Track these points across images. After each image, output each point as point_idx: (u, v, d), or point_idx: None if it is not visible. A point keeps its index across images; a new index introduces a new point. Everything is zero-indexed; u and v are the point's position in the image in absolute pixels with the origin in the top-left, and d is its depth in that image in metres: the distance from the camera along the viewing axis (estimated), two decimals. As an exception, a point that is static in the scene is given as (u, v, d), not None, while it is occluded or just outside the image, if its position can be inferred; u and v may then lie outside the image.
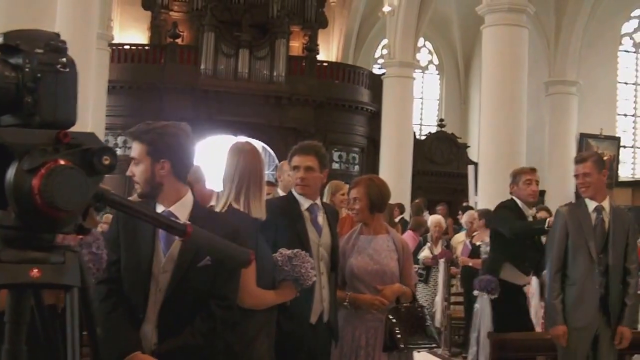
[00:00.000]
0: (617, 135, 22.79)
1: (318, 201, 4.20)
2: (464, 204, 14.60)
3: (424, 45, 25.91)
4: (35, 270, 1.56)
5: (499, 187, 12.53)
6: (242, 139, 19.76)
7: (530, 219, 6.11)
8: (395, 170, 18.35)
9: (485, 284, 6.16)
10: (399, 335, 4.26)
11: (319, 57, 22.78)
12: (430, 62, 26.96)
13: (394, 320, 4.31)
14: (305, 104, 21.38)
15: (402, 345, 4.27)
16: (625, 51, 24.38)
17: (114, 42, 19.93)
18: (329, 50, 24.35)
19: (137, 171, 2.98)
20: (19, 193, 1.53)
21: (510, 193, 6.24)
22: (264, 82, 21.18)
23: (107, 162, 1.63)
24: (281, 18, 21.82)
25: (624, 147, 23.23)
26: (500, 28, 13.36)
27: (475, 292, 6.38)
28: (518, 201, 6.08)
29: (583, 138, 20.70)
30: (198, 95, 20.83)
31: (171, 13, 23.05)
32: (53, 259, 1.60)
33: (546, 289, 5.46)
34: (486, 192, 13.10)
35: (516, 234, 5.94)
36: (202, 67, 20.92)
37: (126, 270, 3.03)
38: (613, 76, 23.83)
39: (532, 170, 6.25)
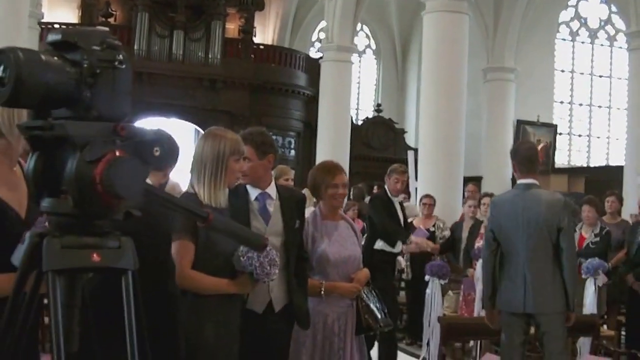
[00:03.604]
0: (553, 122, 23.32)
1: (270, 189, 4.18)
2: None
3: (362, 29, 26.01)
4: (95, 255, 1.66)
5: (439, 173, 12.85)
6: (175, 122, 19.64)
7: (397, 205, 7.64)
8: (333, 156, 18.24)
9: (436, 269, 6.38)
10: (377, 317, 4.41)
11: (256, 40, 22.69)
12: (368, 46, 27.13)
13: (365, 304, 4.44)
14: (240, 87, 21.26)
15: (379, 326, 4.42)
16: (562, 39, 24.95)
17: (43, 20, 19.47)
18: (265, 33, 24.29)
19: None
20: (81, 182, 1.62)
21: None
22: (199, 64, 20.95)
23: (157, 154, 1.75)
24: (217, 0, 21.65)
25: (560, 134, 23.75)
26: (441, 14, 13.55)
27: (427, 277, 6.61)
28: (388, 191, 7.53)
29: (520, 124, 21.16)
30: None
31: (104, -9, 22.64)
32: (110, 243, 1.70)
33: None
34: (425, 177, 13.34)
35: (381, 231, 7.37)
36: (136, 47, 20.60)
37: None
38: (550, 64, 24.29)
39: (403, 172, 7.67)
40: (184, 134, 19.59)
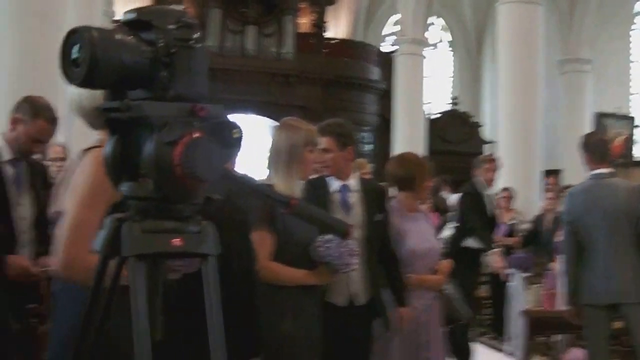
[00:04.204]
0: (631, 114, 22.63)
1: (351, 180, 4.14)
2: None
3: (435, 22, 25.65)
4: (177, 240, 1.61)
5: (517, 166, 12.56)
6: (251, 117, 19.77)
7: (487, 198, 7.39)
8: (409, 149, 18.17)
9: (519, 262, 6.22)
10: (461, 308, 4.34)
11: (328, 34, 22.65)
12: (442, 39, 26.75)
13: (449, 295, 4.39)
14: (313, 82, 21.24)
15: (467, 316, 4.36)
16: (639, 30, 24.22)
17: (116, 18, 19.78)
18: (337, 27, 24.21)
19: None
20: (159, 164, 1.57)
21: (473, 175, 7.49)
22: (272, 59, 21.03)
23: (236, 135, 1.69)
24: (288, -6, 21.65)
25: (637, 126, 23.05)
26: (516, 5, 13.26)
27: (510, 270, 6.45)
28: (477, 184, 7.34)
29: (599, 117, 20.59)
30: (205, 74, 20.71)
31: (171, -11, 22.88)
32: (191, 228, 1.65)
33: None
34: (503, 170, 13.09)
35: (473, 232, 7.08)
36: (208, 44, 20.78)
37: None
38: (626, 55, 23.65)
39: (492, 160, 7.60)
40: (259, 128, 19.67)
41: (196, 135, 1.60)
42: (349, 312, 3.98)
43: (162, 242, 1.60)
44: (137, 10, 1.65)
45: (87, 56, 1.52)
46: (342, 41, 22.87)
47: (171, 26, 1.63)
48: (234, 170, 1.80)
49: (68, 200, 2.48)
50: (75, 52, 1.56)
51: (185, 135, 1.58)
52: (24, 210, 4.01)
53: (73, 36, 1.57)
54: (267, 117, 20.58)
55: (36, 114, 3.89)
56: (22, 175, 4.02)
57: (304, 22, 22.33)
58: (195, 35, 1.64)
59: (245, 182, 1.89)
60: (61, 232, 2.42)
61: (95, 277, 1.67)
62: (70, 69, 1.57)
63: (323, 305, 3.75)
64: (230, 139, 1.67)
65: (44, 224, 4.07)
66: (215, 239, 1.68)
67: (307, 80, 21.17)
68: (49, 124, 3.91)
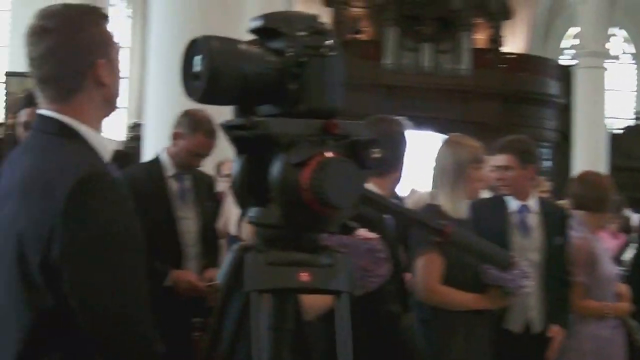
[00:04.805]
0: None
1: (531, 201, 3.91)
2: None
3: (615, 34, 24.40)
4: (304, 274, 1.42)
5: None
6: (427, 134, 19.61)
7: None
8: (590, 166, 17.36)
9: None
10: None
11: (505, 49, 22.09)
12: (624, 51, 25.42)
13: (632, 322, 4.04)
14: (491, 97, 20.76)
15: None
16: None
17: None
18: (514, 42, 23.55)
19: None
20: (286, 188, 1.40)
21: None
22: (449, 76, 20.79)
23: (376, 156, 1.48)
24: (464, 10, 21.33)
25: None
26: None
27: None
28: None
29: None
30: (381, 92, 20.73)
31: (352, 9, 23.06)
32: (322, 260, 1.46)
33: None
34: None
35: None
36: (385, 62, 20.81)
37: None
38: None
39: None
40: (434, 145, 19.42)
41: (328, 155, 1.41)
42: (525, 339, 3.80)
43: (287, 277, 1.42)
44: (265, 16, 1.49)
45: (206, 69, 1.37)
46: (520, 55, 22.22)
47: (301, 33, 1.45)
48: (375, 193, 1.59)
49: None
50: (196, 64, 1.41)
51: (316, 156, 1.40)
52: (189, 224, 4.01)
53: (193, 46, 1.42)
54: (444, 134, 20.24)
55: (195, 128, 3.88)
56: (186, 189, 4.03)
57: (480, 37, 21.95)
58: (329, 42, 1.46)
59: (393, 207, 1.68)
60: None
61: (216, 310, 1.51)
62: (190, 82, 1.42)
63: (497, 332, 3.60)
64: (369, 160, 1.47)
65: (209, 237, 4.06)
66: (350, 273, 1.48)
67: (484, 96, 20.71)
68: (208, 137, 3.88)
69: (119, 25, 20.36)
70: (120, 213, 1.74)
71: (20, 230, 1.72)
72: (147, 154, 6.13)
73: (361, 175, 1.44)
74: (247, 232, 2.97)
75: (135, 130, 17.43)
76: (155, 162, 4.05)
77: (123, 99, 20.21)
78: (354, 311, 1.44)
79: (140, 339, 1.72)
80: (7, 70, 15.34)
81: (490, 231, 3.58)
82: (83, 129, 1.82)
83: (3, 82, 15.34)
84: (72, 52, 1.80)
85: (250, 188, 1.51)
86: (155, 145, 5.03)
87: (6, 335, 1.78)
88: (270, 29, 1.46)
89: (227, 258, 1.52)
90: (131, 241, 1.75)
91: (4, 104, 14.80)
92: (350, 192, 1.41)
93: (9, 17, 17.32)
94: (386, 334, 2.95)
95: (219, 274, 1.54)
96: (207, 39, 1.39)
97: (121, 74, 1.95)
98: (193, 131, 3.88)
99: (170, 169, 3.99)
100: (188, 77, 1.43)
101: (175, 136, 3.96)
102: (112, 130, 19.12)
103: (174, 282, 3.84)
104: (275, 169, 1.41)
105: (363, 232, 2.39)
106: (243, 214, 1.53)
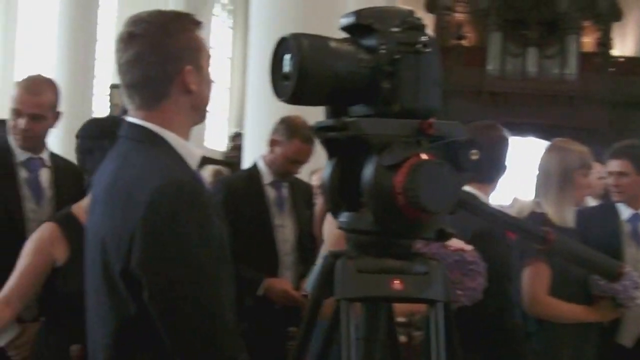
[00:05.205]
0: None
1: None
2: None
3: None
4: (397, 282, 1.35)
5: None
6: (530, 141, 19.16)
7: None
8: None
9: None
10: None
11: (614, 52, 21.40)
12: None
13: None
14: (599, 102, 20.17)
15: None
16: None
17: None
18: (624, 45, 22.78)
19: None
20: (378, 192, 1.33)
21: None
22: (554, 81, 20.31)
23: (474, 158, 1.40)
24: (571, 13, 20.77)
25: None
26: None
27: None
28: None
29: None
30: (484, 98, 20.42)
31: (455, 14, 22.82)
32: (416, 268, 1.38)
33: None
34: None
35: None
36: (489, 68, 20.50)
37: None
38: None
39: None
40: (538, 153, 19.01)
41: (423, 157, 1.33)
42: (638, 354, 3.58)
43: (379, 285, 1.35)
44: (357, 12, 1.42)
45: (295, 68, 1.32)
46: (630, 59, 21.50)
47: (395, 29, 1.38)
48: (480, 201, 1.50)
49: None
50: (286, 64, 1.36)
51: (410, 158, 1.32)
52: (286, 232, 3.97)
53: (283, 45, 1.38)
54: (548, 140, 19.77)
55: (292, 134, 3.84)
56: (284, 197, 4.00)
57: (588, 40, 21.35)
58: (424, 39, 1.38)
59: (493, 212, 1.59)
60: None
61: (304, 319, 1.46)
62: (280, 82, 1.38)
63: (608, 346, 3.42)
64: (466, 162, 1.39)
65: (306, 245, 4.02)
66: (445, 282, 1.40)
67: (592, 101, 20.14)
68: (305, 143, 3.83)
69: (221, 36, 20.71)
70: (202, 221, 1.69)
71: (104, 238, 1.70)
72: (247, 163, 6.17)
73: (458, 179, 1.37)
74: (327, 236, 2.93)
75: (237, 140, 17.70)
76: (253, 170, 4.03)
77: (224, 109, 20.66)
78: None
79: (223, 353, 1.67)
80: (112, 82, 15.79)
81: (600, 241, 3.41)
82: (169, 136, 1.79)
83: (108, 95, 15.80)
84: (159, 58, 1.77)
85: (341, 192, 1.45)
86: (255, 154, 5.04)
87: (97, 342, 1.78)
88: (363, 25, 1.40)
89: (316, 265, 1.46)
90: (214, 250, 1.71)
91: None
92: (446, 196, 1.34)
93: (113, 31, 17.83)
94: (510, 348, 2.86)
95: (308, 282, 1.48)
96: (296, 37, 1.34)
97: (213, 82, 1.92)
98: (290, 137, 3.84)
99: (267, 177, 3.96)
100: (277, 77, 1.39)
101: (272, 143, 3.94)
102: (214, 140, 19.47)
103: (266, 290, 3.80)
104: (368, 171, 1.35)
105: (455, 242, 2.29)
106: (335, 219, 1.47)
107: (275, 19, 6.45)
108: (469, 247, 2.37)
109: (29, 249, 2.53)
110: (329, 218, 2.95)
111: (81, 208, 2.57)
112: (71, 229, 2.51)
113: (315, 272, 1.45)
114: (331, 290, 1.40)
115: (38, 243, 2.52)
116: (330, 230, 2.85)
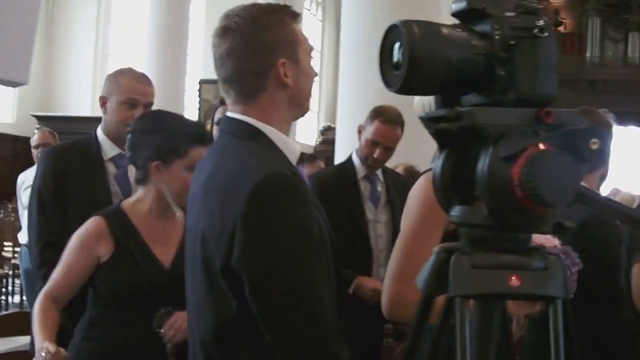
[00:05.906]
0: None
1: None
2: None
3: None
4: (514, 278, 1.29)
5: None
6: (632, 130, 18.57)
7: None
8: None
9: None
10: None
11: None
12: None
13: None
14: None
15: None
16: None
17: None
18: None
19: None
20: (494, 185, 1.27)
21: None
22: (657, 67, 19.64)
23: (594, 147, 1.32)
24: (676, -5, 20.02)
25: None
26: None
27: None
28: None
29: None
30: (583, 86, 19.88)
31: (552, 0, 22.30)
32: (534, 264, 1.32)
33: None
34: None
35: None
36: (588, 55, 19.95)
37: None
38: None
39: None
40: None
41: (542, 147, 1.27)
42: None
43: (495, 281, 1.29)
44: (468, -4, 1.37)
45: (406, 56, 1.27)
46: None
47: (509, 13, 1.32)
48: (591, 191, 1.43)
49: (402, 226, 2.28)
50: (396, 53, 1.32)
51: (528, 148, 1.26)
52: (380, 227, 3.92)
53: (392, 33, 1.33)
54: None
55: (375, 116, 3.83)
56: (378, 192, 3.94)
57: (694, 23, 20.49)
58: (540, 23, 1.31)
59: (608, 206, 1.50)
60: (390, 264, 2.22)
61: (416, 318, 1.41)
62: (389, 72, 1.33)
63: None
64: (586, 152, 1.31)
65: None
66: (564, 278, 1.33)
67: (700, 87, 19.35)
68: (386, 124, 3.80)
69: (311, 29, 20.76)
70: (304, 216, 1.67)
71: (204, 234, 1.70)
72: (339, 157, 6.14)
73: (577, 169, 1.29)
74: None
75: (327, 134, 17.69)
76: (347, 163, 4.00)
77: (314, 103, 20.71)
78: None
79: (326, 350, 1.64)
80: (202, 78, 15.98)
81: None
82: (269, 130, 1.77)
83: (197, 90, 16.02)
84: (250, 52, 1.75)
85: (454, 185, 1.39)
86: (347, 147, 5.01)
87: (196, 338, 1.78)
88: (476, 10, 1.33)
89: (428, 261, 1.41)
90: (315, 246, 1.68)
91: (198, 111, 15.46)
92: (566, 188, 1.27)
93: (203, 26, 18.01)
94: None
95: (418, 279, 1.43)
96: (406, 24, 1.29)
97: (315, 75, 1.89)
98: (372, 119, 3.81)
99: (361, 171, 3.92)
100: (387, 66, 1.34)
101: (359, 130, 3.91)
102: (305, 134, 19.54)
103: (356, 289, 3.76)
104: (483, 163, 1.29)
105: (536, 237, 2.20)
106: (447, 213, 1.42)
107: (367, 10, 6.40)
108: (552, 242, 2.27)
109: (74, 244, 2.52)
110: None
111: (130, 203, 2.57)
112: (117, 224, 2.50)
113: (426, 268, 1.40)
114: (443, 287, 1.35)
115: (84, 238, 2.51)
116: None
